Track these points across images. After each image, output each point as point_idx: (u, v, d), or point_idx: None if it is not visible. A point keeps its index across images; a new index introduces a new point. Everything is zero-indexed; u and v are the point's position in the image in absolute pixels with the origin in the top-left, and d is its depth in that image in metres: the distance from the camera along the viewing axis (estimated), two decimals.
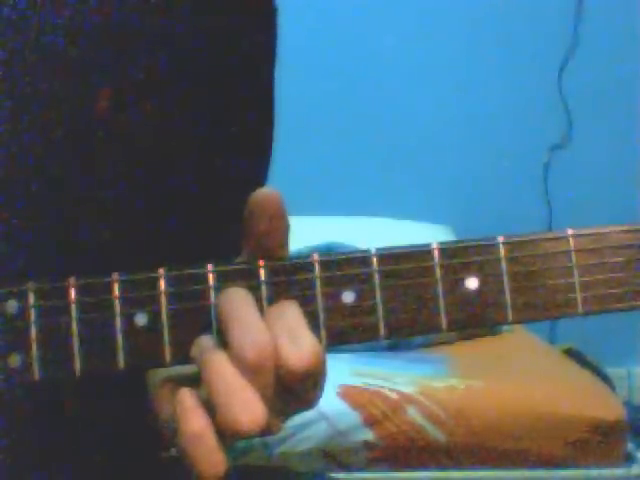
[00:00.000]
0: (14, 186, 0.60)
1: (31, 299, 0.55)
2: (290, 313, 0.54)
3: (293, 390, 0.53)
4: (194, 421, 0.52)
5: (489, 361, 2.06)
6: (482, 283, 0.55)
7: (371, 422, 1.77)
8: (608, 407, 1.83)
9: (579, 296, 0.55)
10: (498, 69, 2.74)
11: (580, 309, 0.55)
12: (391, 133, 2.74)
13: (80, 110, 0.61)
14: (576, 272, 0.55)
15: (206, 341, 0.54)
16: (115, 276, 0.55)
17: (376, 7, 2.73)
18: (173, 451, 0.56)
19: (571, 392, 1.89)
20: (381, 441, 1.76)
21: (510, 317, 0.55)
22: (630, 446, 1.83)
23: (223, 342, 0.53)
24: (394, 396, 1.79)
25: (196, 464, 0.52)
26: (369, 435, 1.76)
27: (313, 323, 0.54)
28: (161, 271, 0.55)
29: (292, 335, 0.53)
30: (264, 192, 0.55)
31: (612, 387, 2.08)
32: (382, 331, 0.55)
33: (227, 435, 0.52)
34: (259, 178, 0.72)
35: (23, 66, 0.60)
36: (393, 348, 2.12)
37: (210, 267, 0.55)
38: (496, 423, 1.78)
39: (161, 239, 0.66)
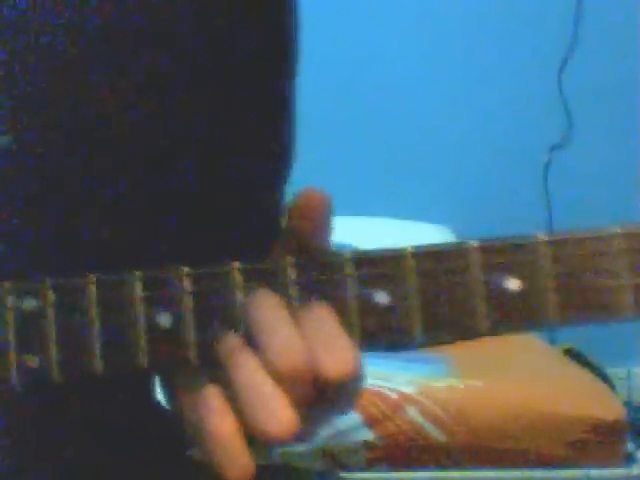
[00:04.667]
0: (14, 186, 0.60)
1: (49, 296, 0.53)
2: (324, 318, 0.51)
3: (329, 398, 0.51)
4: (220, 423, 0.50)
5: (489, 361, 2.06)
6: (524, 284, 0.52)
7: (371, 422, 1.77)
8: (608, 407, 1.83)
9: (629, 298, 0.51)
10: (498, 69, 2.74)
11: (630, 312, 0.51)
12: (391, 133, 2.73)
13: (80, 110, 0.61)
14: (625, 273, 0.51)
15: (234, 340, 0.52)
16: (137, 274, 0.53)
17: (376, 6, 2.73)
18: (195, 451, 0.55)
19: (571, 392, 1.89)
20: (381, 441, 1.76)
21: (554, 320, 0.51)
22: (630, 446, 1.83)
23: (250, 343, 0.51)
24: (394, 396, 1.79)
25: (222, 467, 0.51)
26: (369, 435, 1.76)
27: (345, 325, 0.51)
28: (185, 269, 0.53)
29: (328, 343, 0.50)
30: (313, 192, 0.53)
31: (612, 387, 2.08)
32: (417, 334, 0.52)
33: (255, 440, 0.50)
34: (265, 179, 0.71)
35: (23, 66, 0.60)
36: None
37: (236, 265, 0.53)
38: (496, 423, 1.78)
39: (161, 239, 0.66)
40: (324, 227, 0.54)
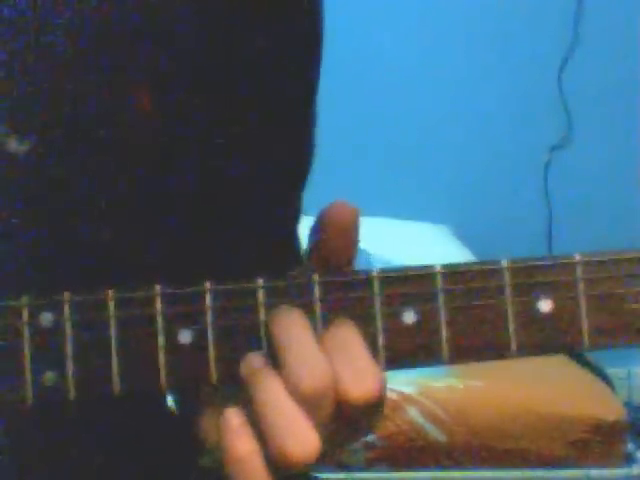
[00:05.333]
0: (14, 186, 0.60)
1: (66, 311, 0.52)
2: (350, 339, 0.50)
3: (352, 421, 0.50)
4: (241, 444, 0.49)
5: (489, 361, 2.06)
6: (556, 305, 0.50)
7: None
8: (608, 407, 1.83)
9: None
10: (498, 69, 2.74)
11: None
12: (391, 133, 2.73)
13: (80, 110, 0.61)
14: None
15: (256, 360, 0.50)
16: (157, 289, 0.52)
17: (375, 6, 2.73)
18: (205, 460, 0.54)
19: (571, 392, 1.89)
20: (381, 441, 1.76)
21: (587, 343, 0.51)
22: (630, 446, 1.83)
23: (273, 361, 0.50)
24: (394, 396, 1.79)
25: None
26: (369, 435, 1.76)
27: (371, 345, 0.51)
28: (207, 285, 0.52)
29: (353, 365, 0.49)
30: (344, 206, 0.53)
31: (612, 387, 2.08)
32: (446, 355, 0.51)
33: (276, 463, 0.49)
34: (278, 180, 0.71)
35: (23, 66, 0.60)
36: None
37: (261, 282, 0.52)
38: (496, 423, 1.78)
39: (162, 240, 0.66)
40: (353, 242, 0.53)
